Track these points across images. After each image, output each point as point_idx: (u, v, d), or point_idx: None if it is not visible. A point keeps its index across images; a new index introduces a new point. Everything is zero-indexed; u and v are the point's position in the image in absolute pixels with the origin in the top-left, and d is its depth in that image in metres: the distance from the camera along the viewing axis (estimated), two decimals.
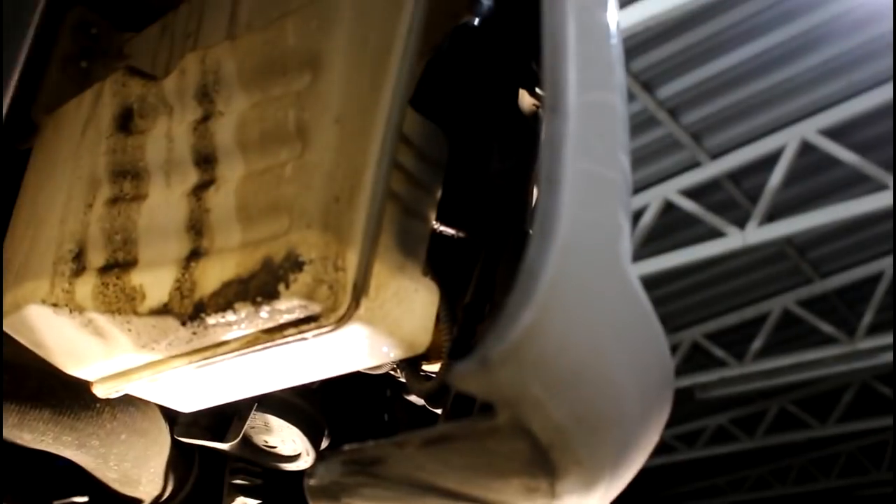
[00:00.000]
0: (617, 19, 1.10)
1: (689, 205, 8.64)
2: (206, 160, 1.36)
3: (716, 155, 8.44)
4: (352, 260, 1.22)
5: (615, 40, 1.07)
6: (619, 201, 0.99)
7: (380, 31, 1.29)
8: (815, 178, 8.54)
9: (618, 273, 0.99)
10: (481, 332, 1.42)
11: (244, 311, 1.25)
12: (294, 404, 1.88)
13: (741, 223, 8.44)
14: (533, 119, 1.56)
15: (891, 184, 7.65)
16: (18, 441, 1.73)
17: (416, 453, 1.05)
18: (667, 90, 7.81)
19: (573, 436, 0.99)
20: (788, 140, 8.09)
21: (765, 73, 7.64)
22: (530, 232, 1.53)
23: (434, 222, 1.42)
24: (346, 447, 1.13)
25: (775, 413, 13.02)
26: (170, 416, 1.93)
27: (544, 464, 1.02)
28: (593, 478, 1.08)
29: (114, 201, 1.42)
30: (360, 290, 1.23)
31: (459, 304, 1.48)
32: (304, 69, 1.29)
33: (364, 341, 1.29)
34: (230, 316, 1.27)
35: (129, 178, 1.43)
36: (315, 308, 1.21)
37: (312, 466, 1.16)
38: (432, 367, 1.61)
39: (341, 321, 1.23)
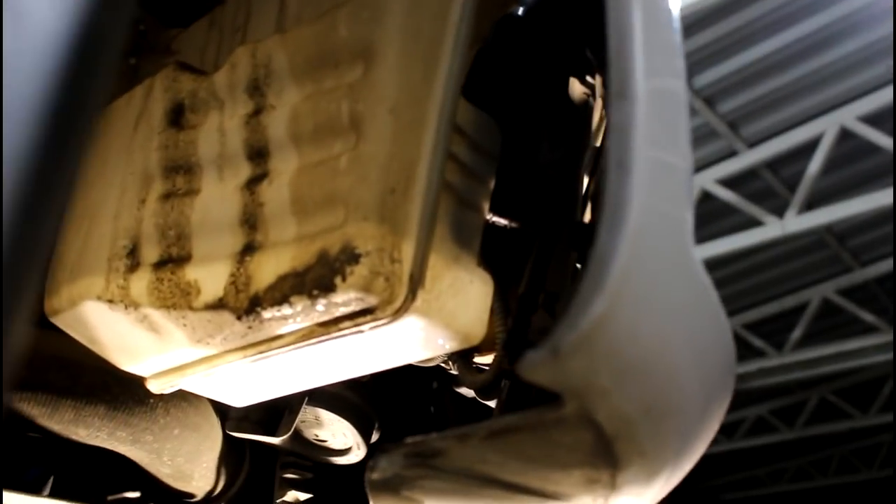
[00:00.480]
0: (679, 4, 1.09)
1: (726, 194, 8.56)
2: (258, 154, 1.36)
3: (753, 143, 8.36)
4: (408, 251, 1.22)
5: (678, 26, 1.06)
6: (684, 189, 0.98)
7: (432, 20, 1.28)
8: (854, 165, 8.44)
9: (685, 261, 0.98)
10: (535, 322, 1.41)
11: (300, 304, 1.25)
12: (345, 398, 1.88)
13: (780, 212, 8.36)
14: (583, 107, 1.54)
15: None
16: (74, 437, 1.74)
17: (480, 445, 1.05)
18: (703, 79, 7.74)
19: (639, 426, 0.98)
20: (827, 127, 8.00)
21: (802, 60, 7.56)
22: (584, 221, 1.52)
23: (487, 213, 1.41)
24: (409, 440, 1.12)
25: (815, 403, 12.90)
26: (221, 410, 1.93)
27: (607, 455, 1.01)
28: (656, 469, 1.07)
29: (167, 196, 1.43)
30: (416, 281, 1.22)
31: (511, 295, 1.47)
32: (356, 60, 1.29)
33: (420, 333, 1.29)
34: (286, 309, 1.27)
35: (181, 173, 1.43)
36: (372, 300, 1.21)
37: (374, 459, 1.16)
38: (484, 359, 1.60)
39: (398, 313, 1.22)
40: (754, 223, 8.51)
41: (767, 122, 8.21)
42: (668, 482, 1.15)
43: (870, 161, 8.32)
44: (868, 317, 10.23)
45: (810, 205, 8.24)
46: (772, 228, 8.40)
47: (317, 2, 1.39)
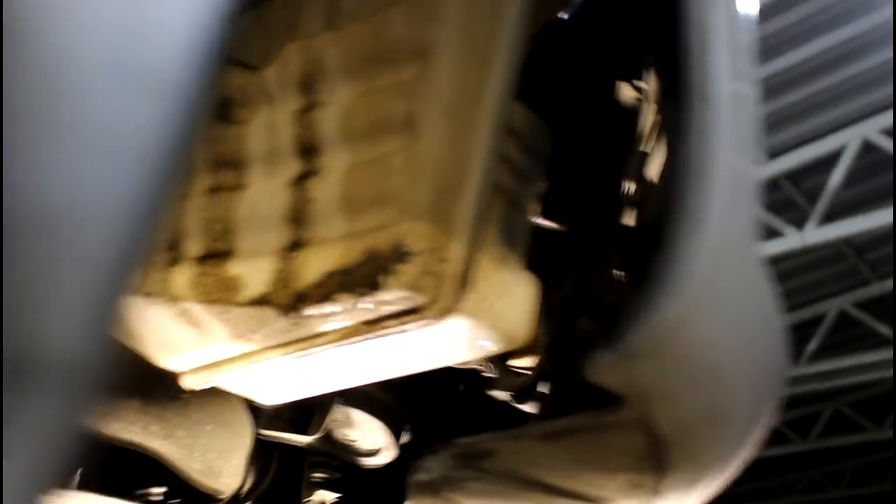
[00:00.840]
0: (757, 7, 1.08)
1: None
2: (308, 150, 1.35)
3: (774, 154, 8.33)
4: (457, 252, 1.21)
5: (754, 27, 1.05)
6: (755, 196, 0.97)
7: (487, 21, 1.27)
8: (875, 178, 8.40)
9: (755, 269, 0.97)
10: (579, 326, 1.40)
11: (346, 302, 1.24)
12: (378, 398, 1.87)
13: (799, 223, 8.33)
14: (631, 111, 1.53)
15: None
16: (106, 431, 1.73)
17: (532, 447, 1.04)
18: None
19: (696, 433, 0.97)
20: (849, 140, 7.97)
21: (825, 73, 7.54)
22: (628, 225, 1.51)
23: (535, 216, 1.40)
24: (459, 441, 1.12)
25: (830, 415, 12.85)
26: (252, 408, 1.93)
27: (657, 460, 1.00)
28: (700, 476, 1.06)
29: (213, 191, 1.42)
30: (464, 282, 1.21)
31: (554, 298, 1.46)
32: (411, 59, 1.28)
33: (465, 334, 1.28)
34: (331, 307, 1.26)
35: (229, 168, 1.43)
36: (419, 300, 1.20)
37: (421, 460, 1.15)
38: (520, 363, 1.59)
39: (445, 313, 1.22)
40: (774, 234, 8.48)
41: (789, 134, 8.18)
42: (707, 488, 1.14)
43: (891, 174, 8.29)
44: (885, 330, 10.18)
45: (830, 217, 8.21)
46: (791, 240, 8.37)
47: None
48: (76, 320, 0.47)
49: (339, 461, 2.04)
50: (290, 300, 1.30)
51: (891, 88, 7.62)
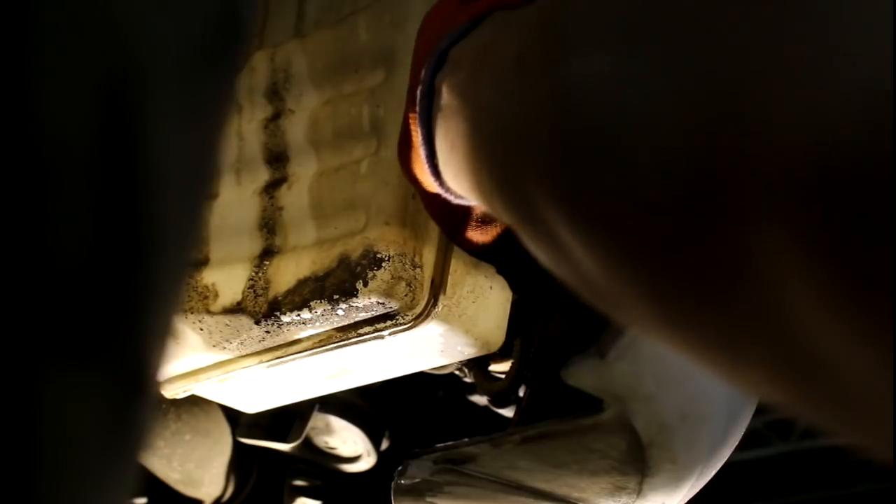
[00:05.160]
0: None
1: None
2: (277, 158, 1.36)
3: None
4: (429, 257, 1.21)
5: None
6: None
7: None
8: None
9: None
10: (553, 329, 1.41)
11: (320, 308, 1.24)
12: (356, 405, 1.87)
13: None
14: None
15: None
16: None
17: (512, 451, 1.05)
18: None
19: (674, 433, 0.98)
20: None
21: None
22: None
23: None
24: (439, 446, 1.12)
25: None
26: (231, 416, 1.93)
27: (638, 462, 1.01)
28: (683, 477, 1.07)
29: None
30: (437, 287, 1.22)
31: (528, 301, 1.46)
32: (377, 65, 1.29)
33: (439, 339, 1.28)
34: (305, 314, 1.26)
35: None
36: (393, 305, 1.21)
37: (403, 465, 1.16)
38: (499, 367, 1.59)
39: (419, 319, 1.22)
40: None
41: None
42: (690, 491, 1.15)
43: None
44: None
45: None
46: None
47: (336, 6, 1.38)
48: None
49: (319, 468, 2.04)
50: (264, 308, 1.30)
51: None
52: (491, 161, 0.76)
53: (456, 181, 0.92)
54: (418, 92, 0.92)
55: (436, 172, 0.95)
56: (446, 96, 0.88)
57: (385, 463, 1.96)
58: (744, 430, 1.18)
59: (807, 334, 0.43)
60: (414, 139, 0.96)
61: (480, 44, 0.86)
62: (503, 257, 1.43)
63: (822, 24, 0.42)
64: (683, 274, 0.51)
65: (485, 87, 0.78)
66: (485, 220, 1.08)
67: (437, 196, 1.00)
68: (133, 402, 0.42)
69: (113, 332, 0.39)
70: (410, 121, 0.96)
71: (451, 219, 1.08)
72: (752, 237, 0.44)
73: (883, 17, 0.39)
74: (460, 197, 0.98)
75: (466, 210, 1.05)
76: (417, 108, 0.93)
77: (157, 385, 0.45)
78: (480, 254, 1.23)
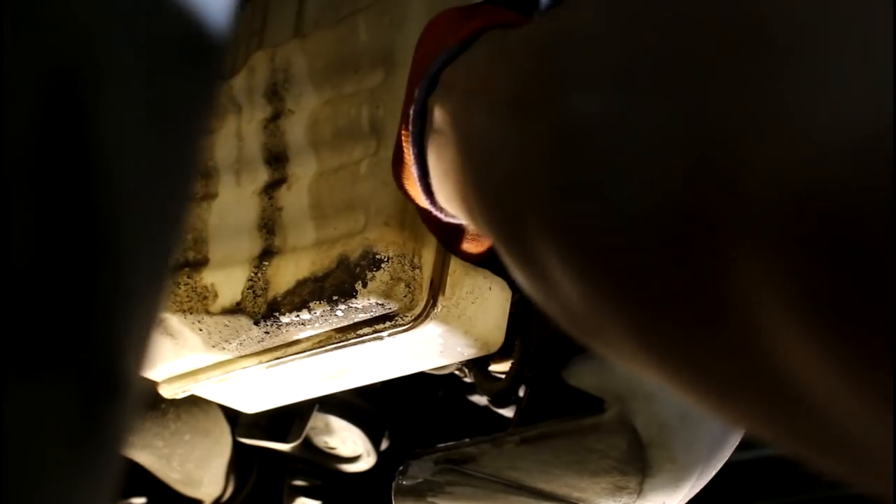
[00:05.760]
0: None
1: None
2: (277, 159, 1.36)
3: None
4: (428, 258, 1.21)
5: None
6: None
7: None
8: None
9: None
10: (553, 329, 1.40)
11: (319, 309, 1.24)
12: (356, 405, 1.87)
13: None
14: None
15: None
16: None
17: (513, 451, 1.05)
18: None
19: (674, 433, 0.98)
20: None
21: None
22: None
23: None
24: (440, 446, 1.12)
25: None
26: (231, 416, 1.93)
27: (638, 462, 1.01)
28: (683, 477, 1.07)
29: None
30: (436, 287, 1.22)
31: (528, 301, 1.46)
32: (377, 66, 1.28)
33: (439, 340, 1.28)
34: (304, 315, 1.26)
35: (199, 178, 1.43)
36: (392, 306, 1.20)
37: (404, 465, 1.15)
38: (499, 367, 1.59)
39: (418, 320, 1.22)
40: None
41: None
42: (691, 491, 1.14)
43: None
44: None
45: None
46: None
47: (336, 6, 1.38)
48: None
49: (319, 468, 2.04)
50: (263, 308, 1.30)
51: None
52: (484, 196, 0.77)
53: (449, 204, 0.94)
54: (411, 112, 0.93)
55: (428, 191, 0.96)
56: (438, 121, 0.89)
57: (385, 463, 1.96)
58: (743, 431, 1.18)
59: (787, 371, 0.44)
60: (406, 158, 0.97)
61: (472, 69, 0.87)
62: (500, 264, 1.43)
63: (805, 71, 0.42)
64: (667, 310, 0.52)
65: (479, 118, 0.78)
66: (479, 235, 1.10)
67: (430, 212, 1.01)
68: (102, 404, 0.41)
69: (72, 337, 0.38)
70: (403, 139, 0.97)
71: (446, 233, 1.09)
72: (732, 274, 0.45)
73: (865, 64, 0.39)
74: (452, 216, 0.99)
75: (459, 227, 1.07)
76: (410, 129, 0.94)
77: (135, 385, 0.44)
78: (478, 262, 1.23)
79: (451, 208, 0.95)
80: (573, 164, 0.59)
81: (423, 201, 0.99)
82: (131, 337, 0.43)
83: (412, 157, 0.95)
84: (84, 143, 0.38)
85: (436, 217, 1.01)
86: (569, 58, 0.62)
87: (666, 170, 0.50)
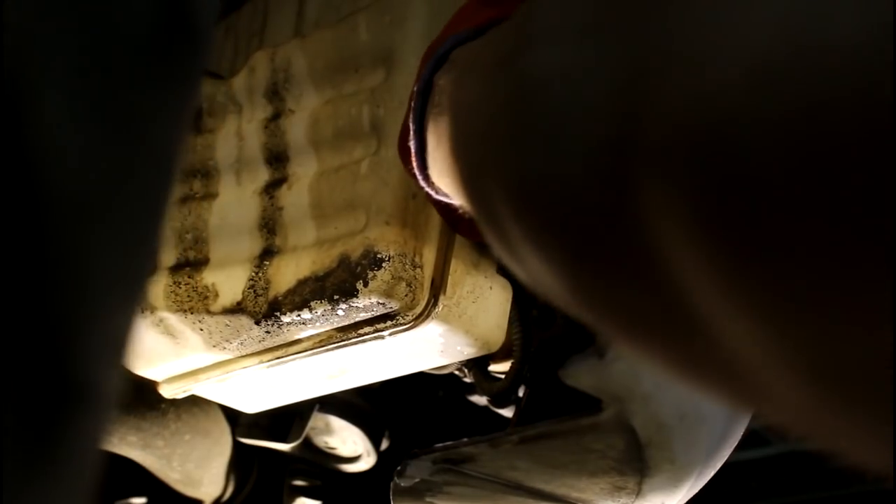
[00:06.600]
0: None
1: None
2: (277, 158, 1.36)
3: None
4: (429, 257, 1.21)
5: None
6: None
7: None
8: None
9: None
10: (554, 330, 1.41)
11: (320, 309, 1.24)
12: (356, 405, 1.87)
13: None
14: None
15: None
16: None
17: (511, 451, 1.05)
18: None
19: (672, 433, 0.98)
20: None
21: None
22: None
23: None
24: (438, 446, 1.12)
25: None
26: (231, 416, 1.93)
27: (636, 462, 1.01)
28: (682, 477, 1.07)
29: (184, 200, 1.42)
30: (437, 287, 1.22)
31: (529, 301, 1.46)
32: (377, 65, 1.28)
33: (439, 339, 1.28)
34: (305, 314, 1.26)
35: (199, 177, 1.43)
36: (393, 306, 1.20)
37: (402, 465, 1.15)
38: (499, 367, 1.59)
39: (419, 319, 1.22)
40: None
41: None
42: (689, 491, 1.14)
43: None
44: None
45: None
46: None
47: (336, 6, 1.38)
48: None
49: (319, 468, 2.04)
50: (264, 308, 1.30)
51: None
52: (462, 158, 0.78)
53: (440, 178, 0.94)
54: (415, 88, 0.94)
55: (423, 166, 0.96)
56: (438, 94, 0.90)
57: (385, 463, 1.96)
58: (743, 429, 1.18)
59: (690, 303, 0.46)
60: (408, 135, 0.98)
61: (476, 47, 0.88)
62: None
63: (709, 8, 0.45)
64: (596, 254, 0.54)
65: (471, 87, 0.79)
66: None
67: (425, 190, 1.01)
68: (64, 413, 0.41)
69: (22, 348, 0.38)
70: (409, 116, 0.98)
71: (447, 213, 1.09)
72: (640, 204, 0.47)
73: (763, 9, 0.42)
74: (445, 195, 0.99)
75: (451, 205, 1.06)
76: (412, 104, 0.95)
77: (107, 391, 0.44)
78: (483, 244, 1.23)
79: (442, 184, 0.95)
80: (527, 115, 0.60)
81: (419, 179, 0.99)
82: (98, 343, 0.43)
83: (412, 132, 0.95)
84: (21, 151, 0.37)
85: (429, 194, 1.02)
86: (542, 17, 0.64)
87: (602, 110, 0.52)
